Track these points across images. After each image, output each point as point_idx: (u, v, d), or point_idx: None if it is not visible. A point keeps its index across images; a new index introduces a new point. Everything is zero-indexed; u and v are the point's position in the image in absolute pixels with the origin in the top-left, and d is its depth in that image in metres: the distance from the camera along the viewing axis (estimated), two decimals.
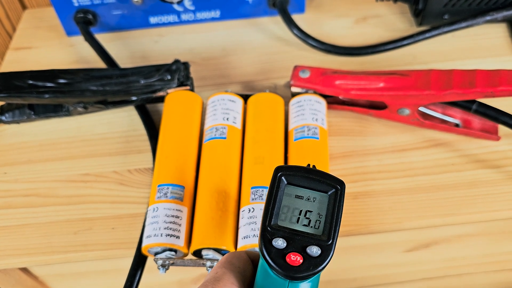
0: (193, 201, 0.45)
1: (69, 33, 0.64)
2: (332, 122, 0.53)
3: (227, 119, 0.48)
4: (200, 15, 0.63)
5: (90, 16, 0.61)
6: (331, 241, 0.27)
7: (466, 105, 0.48)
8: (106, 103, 0.52)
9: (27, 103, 0.53)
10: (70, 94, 0.49)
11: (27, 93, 0.49)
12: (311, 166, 0.29)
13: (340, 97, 0.52)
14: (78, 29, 0.62)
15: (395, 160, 0.50)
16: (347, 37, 0.62)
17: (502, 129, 0.51)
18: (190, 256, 0.43)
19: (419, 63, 0.58)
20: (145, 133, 0.53)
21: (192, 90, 0.52)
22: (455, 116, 0.52)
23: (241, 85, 0.58)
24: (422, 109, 0.51)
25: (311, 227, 0.28)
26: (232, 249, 0.41)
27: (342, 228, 0.45)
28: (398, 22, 0.63)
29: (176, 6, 0.62)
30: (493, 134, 0.50)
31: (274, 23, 0.64)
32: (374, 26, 0.63)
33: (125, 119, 0.55)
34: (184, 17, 0.63)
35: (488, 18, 0.58)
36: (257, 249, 0.38)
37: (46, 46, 0.64)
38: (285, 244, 0.27)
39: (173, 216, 0.42)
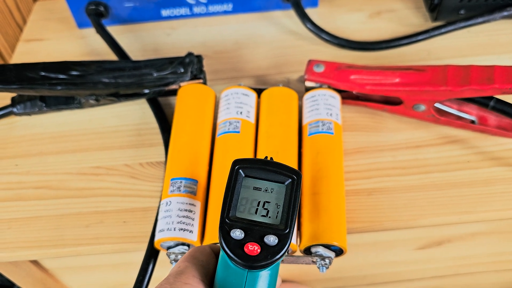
0: (206, 195, 0.45)
1: (80, 25, 0.64)
2: (346, 118, 0.52)
3: (241, 113, 0.48)
4: (213, 8, 0.63)
5: (101, 8, 0.61)
6: (288, 229, 0.28)
7: (484, 102, 0.47)
8: (118, 96, 0.52)
9: (39, 94, 0.52)
10: (82, 86, 0.49)
11: (39, 84, 0.49)
12: (268, 159, 0.30)
13: (354, 92, 0.51)
14: (89, 21, 0.62)
15: (409, 157, 0.49)
16: (361, 31, 0.61)
17: None
18: None
19: (434, 59, 0.57)
20: (156, 126, 0.53)
21: (204, 83, 0.52)
22: (470, 113, 0.51)
23: (254, 79, 0.57)
24: (437, 105, 0.50)
25: (269, 217, 0.28)
26: None
27: (356, 225, 0.45)
28: (413, 17, 0.62)
29: None
30: (509, 132, 0.50)
31: (287, 17, 0.64)
32: (388, 21, 0.62)
33: (136, 112, 0.54)
34: (196, 10, 0.63)
35: (505, 13, 0.57)
36: None
37: (57, 38, 0.64)
38: (243, 235, 0.27)
39: (186, 210, 0.42)
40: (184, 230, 0.41)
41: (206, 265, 0.29)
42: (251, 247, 0.27)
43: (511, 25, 0.59)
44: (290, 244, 0.28)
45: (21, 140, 0.53)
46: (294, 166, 0.45)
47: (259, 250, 0.27)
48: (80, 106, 0.53)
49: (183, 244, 0.42)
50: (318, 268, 0.41)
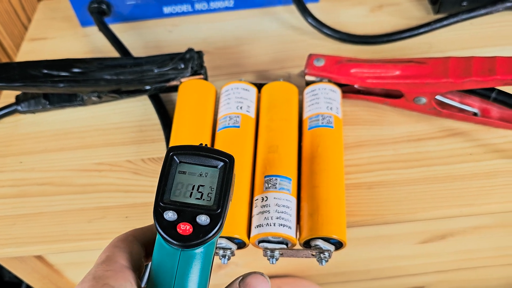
0: None
1: (83, 23, 0.65)
2: (347, 111, 0.52)
3: (241, 108, 0.48)
4: (214, 4, 0.63)
5: (104, 6, 0.61)
6: (220, 209, 0.29)
7: (485, 93, 0.47)
8: (120, 93, 0.52)
9: (42, 92, 0.53)
10: (84, 83, 0.50)
11: (42, 82, 0.49)
12: (203, 145, 0.31)
13: (355, 86, 0.51)
14: (92, 20, 0.62)
15: (411, 150, 0.49)
16: (363, 25, 0.61)
17: None
18: None
19: (436, 52, 0.57)
20: (158, 122, 0.53)
21: (205, 79, 0.52)
22: (473, 105, 0.51)
23: (255, 74, 0.57)
24: (439, 98, 0.50)
25: (203, 199, 0.29)
26: (245, 238, 0.41)
27: (357, 218, 0.45)
28: (415, 10, 0.62)
29: None
30: None
31: (288, 12, 0.63)
32: (390, 14, 0.62)
33: (138, 109, 0.55)
34: (198, 6, 0.63)
35: (508, 4, 0.56)
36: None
37: (61, 36, 0.65)
38: (176, 216, 0.28)
39: None
40: None
41: (129, 251, 0.29)
42: (183, 227, 0.28)
43: None
44: (223, 223, 0.29)
45: (25, 138, 0.54)
46: (295, 160, 0.45)
47: (191, 230, 0.28)
48: (83, 103, 0.54)
49: None
50: (318, 261, 0.41)
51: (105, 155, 0.51)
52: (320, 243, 0.40)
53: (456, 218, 0.51)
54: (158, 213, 0.28)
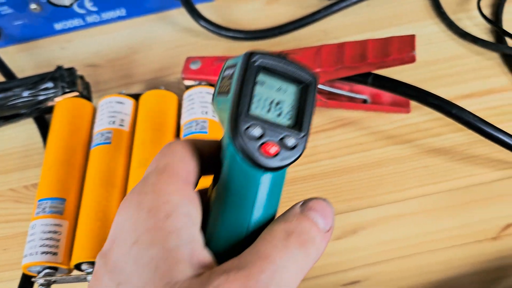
0: (77, 213, 0.43)
1: None
2: None
3: (114, 122, 0.46)
4: (105, 15, 0.61)
5: None
6: (305, 133, 0.25)
7: (362, 79, 0.44)
8: None
9: None
10: None
11: None
12: (284, 54, 0.27)
13: None
14: None
15: None
16: (259, 20, 0.59)
17: None
18: (76, 272, 0.41)
19: (331, 39, 0.54)
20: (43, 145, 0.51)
21: (86, 96, 0.50)
22: (363, 92, 0.48)
23: (145, 83, 0.55)
24: (325, 88, 0.48)
25: (283, 118, 0.25)
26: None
27: None
28: None
29: (77, 9, 0.59)
30: (404, 107, 0.47)
31: (183, 15, 0.61)
32: (286, 5, 0.59)
33: (24, 133, 0.53)
34: (89, 19, 0.61)
35: None
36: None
37: None
38: (260, 133, 0.24)
39: (50, 232, 0.40)
40: (47, 253, 0.39)
41: (192, 163, 0.25)
42: (268, 148, 0.24)
43: None
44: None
45: None
46: None
47: (278, 151, 0.24)
48: None
49: (49, 267, 0.40)
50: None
51: None
52: None
53: (360, 211, 0.48)
54: (240, 126, 0.24)
